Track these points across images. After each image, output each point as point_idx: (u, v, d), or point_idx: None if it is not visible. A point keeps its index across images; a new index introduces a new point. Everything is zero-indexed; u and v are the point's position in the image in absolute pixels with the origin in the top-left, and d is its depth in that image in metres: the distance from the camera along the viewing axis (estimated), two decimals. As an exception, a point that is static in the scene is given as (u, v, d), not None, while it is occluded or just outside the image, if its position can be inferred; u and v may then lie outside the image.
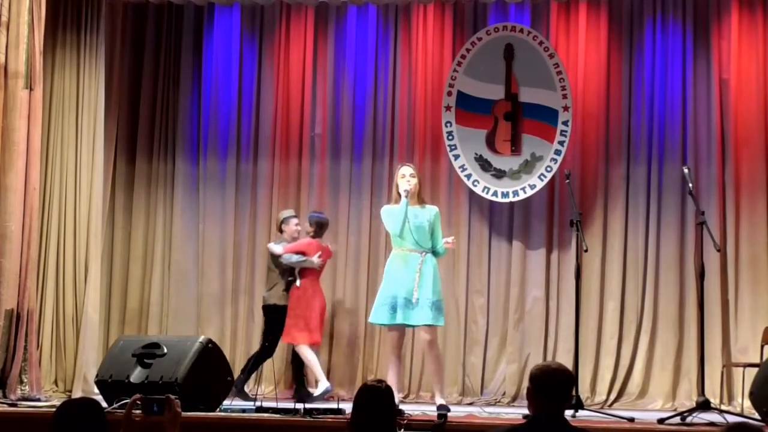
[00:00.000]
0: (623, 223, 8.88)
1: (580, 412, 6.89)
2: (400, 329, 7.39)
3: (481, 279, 9.00)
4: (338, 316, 9.06)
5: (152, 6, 9.24)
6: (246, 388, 8.36)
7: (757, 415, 6.51)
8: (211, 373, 6.84)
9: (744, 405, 7.86)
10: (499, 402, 8.69)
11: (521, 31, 8.98)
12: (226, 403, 6.92)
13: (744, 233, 8.64)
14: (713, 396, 8.07)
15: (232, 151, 9.36)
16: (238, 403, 7.45)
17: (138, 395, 4.03)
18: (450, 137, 8.97)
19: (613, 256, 8.85)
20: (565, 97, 8.86)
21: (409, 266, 7.31)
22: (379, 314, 7.36)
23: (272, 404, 6.84)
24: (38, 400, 7.56)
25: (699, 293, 7.30)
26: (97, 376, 7.15)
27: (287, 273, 8.41)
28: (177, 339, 7.31)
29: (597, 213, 8.91)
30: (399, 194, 7.40)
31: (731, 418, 6.66)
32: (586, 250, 7.48)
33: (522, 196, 8.88)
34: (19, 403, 7.32)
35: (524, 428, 3.99)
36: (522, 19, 9.08)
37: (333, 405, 6.97)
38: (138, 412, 3.97)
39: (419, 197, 7.50)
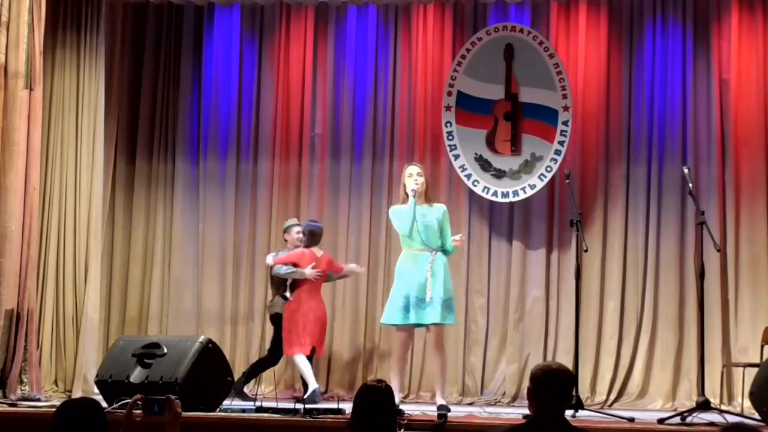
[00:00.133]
0: (623, 223, 8.88)
1: (580, 412, 6.89)
2: (410, 329, 7.39)
3: (481, 279, 9.00)
4: (338, 317, 9.05)
5: (152, 6, 9.24)
6: (246, 389, 8.34)
7: (757, 415, 6.51)
8: (211, 373, 6.84)
9: (744, 405, 7.86)
10: (499, 402, 8.69)
11: (521, 31, 8.98)
12: (226, 403, 6.92)
13: (744, 233, 8.64)
14: (713, 396, 8.07)
15: (232, 151, 9.36)
16: (238, 403, 7.45)
17: (139, 395, 4.03)
18: (450, 137, 8.97)
19: (613, 256, 8.85)
20: (565, 97, 8.86)
21: (419, 266, 7.31)
22: (392, 315, 7.35)
23: (272, 404, 6.84)
24: (38, 400, 7.56)
25: (699, 293, 7.30)
26: (97, 376, 7.15)
27: (281, 285, 8.35)
28: (177, 339, 7.31)
29: (597, 213, 8.91)
30: (407, 194, 7.40)
31: (731, 418, 6.66)
32: (586, 250, 7.48)
33: (522, 196, 8.88)
34: (19, 403, 7.32)
35: (524, 428, 3.99)
36: (522, 19, 9.08)
37: (333, 405, 6.97)
38: (138, 412, 3.97)
39: (427, 196, 7.50)
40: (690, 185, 7.21)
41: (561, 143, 8.83)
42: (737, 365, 8.18)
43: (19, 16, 7.81)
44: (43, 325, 8.18)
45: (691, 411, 6.67)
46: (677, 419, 6.56)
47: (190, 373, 6.69)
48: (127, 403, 4.07)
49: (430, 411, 7.14)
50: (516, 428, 4.03)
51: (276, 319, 8.35)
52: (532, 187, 8.85)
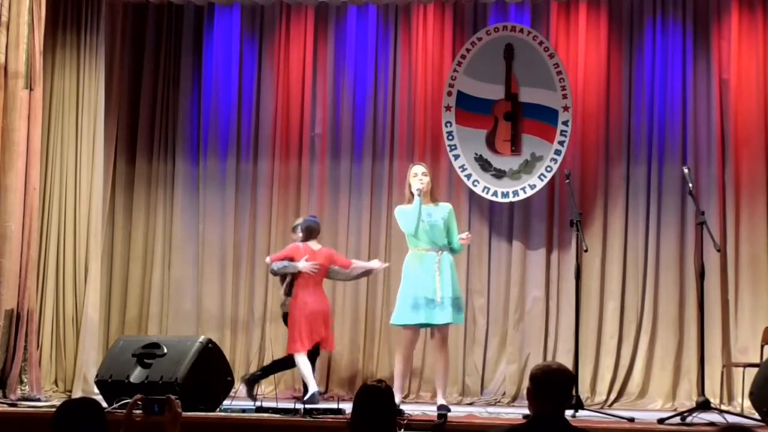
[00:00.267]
0: (623, 223, 8.88)
1: (580, 412, 6.89)
2: (417, 330, 7.39)
3: (481, 279, 9.00)
4: (338, 317, 9.04)
5: (152, 6, 9.24)
6: (255, 385, 8.33)
7: (757, 415, 6.51)
8: (211, 373, 6.85)
9: (744, 405, 7.86)
10: (499, 402, 8.69)
11: (521, 31, 8.98)
12: (226, 402, 6.92)
13: (744, 233, 8.65)
14: (713, 396, 8.07)
15: (232, 151, 9.36)
16: (238, 402, 7.44)
17: (139, 395, 4.03)
18: (450, 137, 8.97)
19: (613, 256, 8.85)
20: (565, 97, 8.86)
21: (425, 266, 7.30)
22: (401, 316, 7.33)
23: (272, 404, 6.84)
24: (38, 400, 7.56)
25: (699, 293, 7.30)
26: (97, 376, 7.16)
27: (283, 283, 8.36)
28: (177, 339, 7.32)
29: (597, 213, 8.91)
30: (412, 194, 7.40)
31: (731, 418, 6.67)
32: (586, 250, 7.48)
33: (522, 196, 8.88)
34: (19, 403, 7.32)
35: (524, 428, 3.99)
36: (522, 19, 9.08)
37: (333, 405, 6.97)
38: (138, 412, 3.97)
39: (432, 195, 7.50)
40: (690, 185, 7.21)
41: (561, 143, 8.83)
42: (737, 365, 8.19)
43: (19, 16, 7.81)
44: (43, 325, 8.18)
45: (691, 411, 6.67)
46: (677, 419, 6.55)
47: (190, 373, 6.70)
48: (127, 403, 4.07)
49: (430, 411, 7.14)
50: (516, 428, 4.03)
51: (286, 319, 8.35)
52: (532, 187, 8.85)
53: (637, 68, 8.97)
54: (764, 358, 7.56)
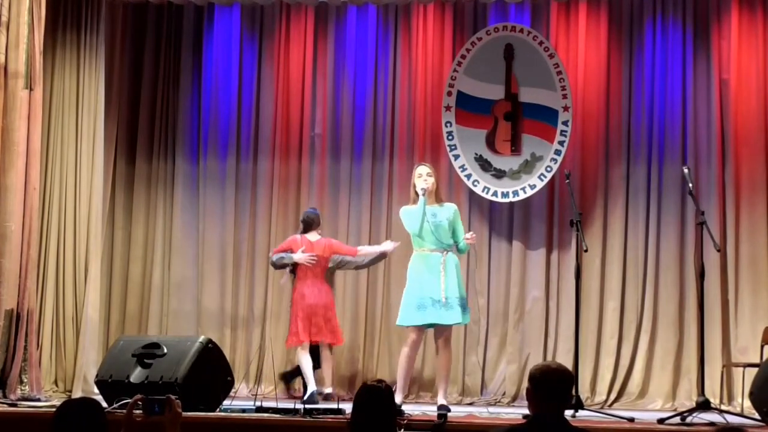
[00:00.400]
0: (623, 223, 8.88)
1: (580, 412, 6.89)
2: (422, 330, 7.38)
3: (481, 279, 9.00)
4: (338, 316, 9.02)
5: (152, 6, 9.24)
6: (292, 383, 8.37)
7: (757, 415, 6.51)
8: (211, 373, 6.84)
9: (744, 405, 7.86)
10: (499, 402, 8.69)
11: (521, 31, 8.98)
12: (226, 402, 6.92)
13: (744, 233, 8.64)
14: (713, 396, 8.07)
15: (232, 150, 9.36)
16: (238, 402, 7.44)
17: (139, 395, 4.03)
18: (450, 137, 8.97)
19: (613, 256, 8.85)
20: (565, 97, 8.86)
21: (430, 267, 7.30)
22: (408, 317, 7.32)
23: (272, 404, 6.84)
24: (38, 400, 7.56)
25: (699, 293, 7.29)
26: (97, 376, 7.15)
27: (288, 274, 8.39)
28: (177, 339, 7.31)
29: (597, 213, 8.91)
30: (417, 194, 7.40)
31: (731, 418, 6.67)
32: (586, 250, 7.48)
33: (522, 196, 8.88)
34: (19, 403, 7.32)
35: (524, 428, 4.00)
36: (522, 19, 9.08)
37: (333, 405, 6.97)
38: (138, 412, 3.97)
39: (437, 196, 7.50)
40: (690, 185, 7.21)
41: (561, 143, 8.83)
42: (737, 365, 8.19)
43: (19, 16, 7.81)
44: (43, 325, 8.18)
45: (691, 411, 6.67)
46: (677, 419, 6.55)
47: (190, 373, 6.69)
48: (127, 403, 4.07)
49: (430, 411, 7.14)
50: (516, 428, 4.03)
51: None
52: (532, 187, 8.85)
53: (637, 68, 8.97)
54: (764, 358, 7.56)
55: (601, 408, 8.20)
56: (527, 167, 8.88)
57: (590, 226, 8.77)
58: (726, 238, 8.61)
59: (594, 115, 8.98)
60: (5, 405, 7.18)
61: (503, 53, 8.97)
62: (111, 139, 9.05)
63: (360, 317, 9.05)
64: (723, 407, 7.61)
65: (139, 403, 3.98)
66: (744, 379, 7.83)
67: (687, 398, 8.36)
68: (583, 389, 8.35)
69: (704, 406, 6.66)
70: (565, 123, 8.84)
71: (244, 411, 6.68)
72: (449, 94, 9.00)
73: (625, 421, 6.71)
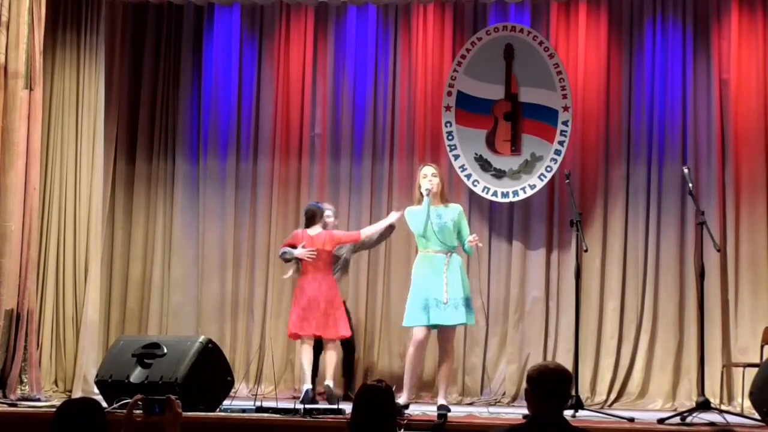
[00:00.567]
0: (623, 223, 8.88)
1: (580, 412, 6.88)
2: (428, 330, 7.38)
3: (481, 279, 8.98)
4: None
5: (152, 6, 9.24)
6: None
7: (757, 415, 6.51)
8: (211, 373, 6.85)
9: (744, 405, 7.86)
10: (499, 402, 8.69)
11: (521, 31, 8.98)
12: (226, 402, 6.92)
13: (744, 233, 8.64)
14: (713, 396, 8.07)
15: (232, 150, 9.36)
16: (238, 402, 7.44)
17: (139, 395, 4.03)
18: (450, 137, 8.97)
19: (613, 256, 8.85)
20: (565, 97, 8.86)
21: (435, 268, 7.29)
22: (413, 317, 7.31)
23: (272, 404, 6.84)
24: (38, 400, 7.56)
25: (699, 293, 7.29)
26: (97, 376, 7.16)
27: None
28: (177, 339, 7.32)
29: (597, 213, 8.91)
30: (421, 194, 7.39)
31: (731, 418, 6.67)
32: (586, 250, 7.48)
33: (522, 196, 8.88)
34: (19, 403, 7.32)
35: (524, 428, 3.99)
36: (522, 19, 9.08)
37: (333, 405, 6.97)
38: (139, 412, 3.97)
39: (442, 196, 7.49)
40: (690, 185, 7.21)
41: (561, 143, 8.83)
42: (737, 365, 8.19)
43: (19, 16, 7.81)
44: (43, 325, 8.18)
45: (691, 411, 6.66)
46: (677, 419, 6.55)
47: (190, 373, 6.69)
48: (127, 403, 4.07)
49: (430, 411, 7.14)
50: (516, 428, 4.03)
51: None
52: (532, 187, 8.85)
53: (637, 68, 8.97)
54: (764, 358, 7.56)
55: (601, 408, 8.20)
56: (527, 167, 8.88)
57: (590, 226, 8.77)
58: (726, 238, 8.61)
59: (594, 115, 8.98)
60: (5, 405, 7.18)
61: (503, 53, 8.97)
62: (111, 139, 9.06)
63: (360, 317, 9.04)
64: (723, 407, 7.60)
65: (139, 403, 3.98)
66: (744, 379, 7.82)
67: (687, 398, 8.36)
68: (583, 389, 8.35)
69: (704, 406, 6.66)
70: (565, 123, 8.84)
71: (244, 411, 6.68)
72: (449, 94, 9.00)
73: (625, 421, 6.71)
